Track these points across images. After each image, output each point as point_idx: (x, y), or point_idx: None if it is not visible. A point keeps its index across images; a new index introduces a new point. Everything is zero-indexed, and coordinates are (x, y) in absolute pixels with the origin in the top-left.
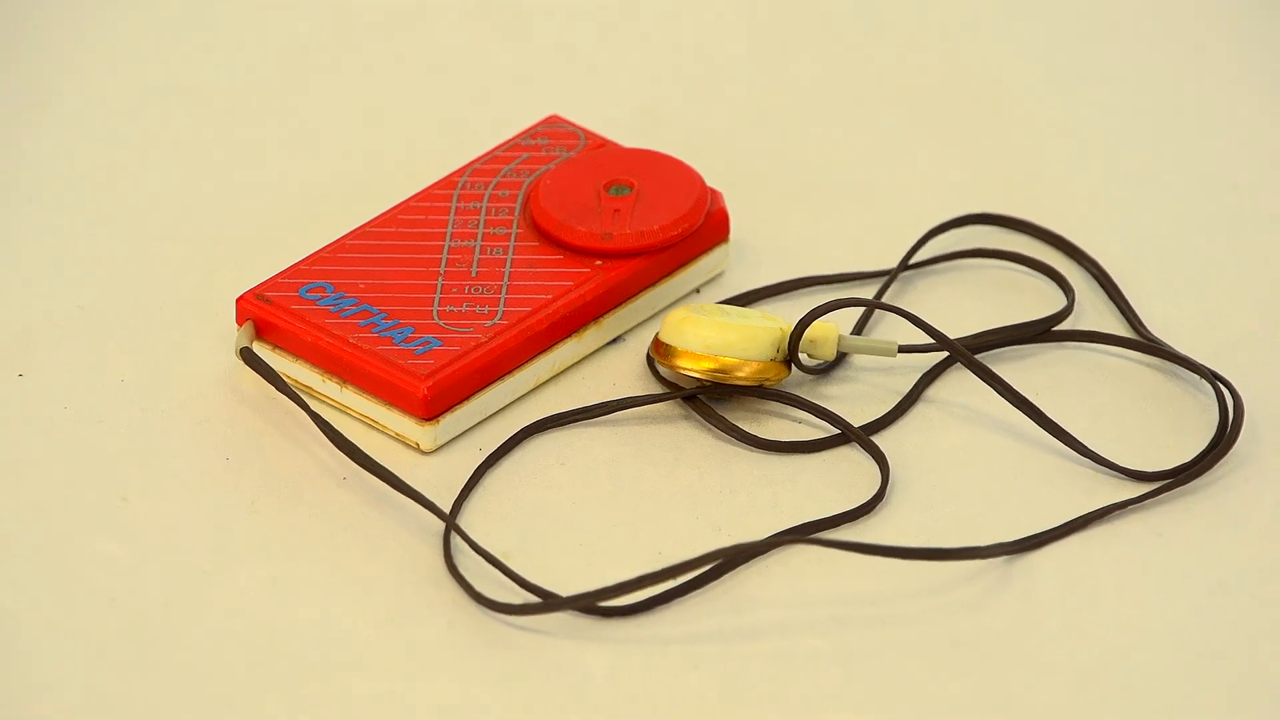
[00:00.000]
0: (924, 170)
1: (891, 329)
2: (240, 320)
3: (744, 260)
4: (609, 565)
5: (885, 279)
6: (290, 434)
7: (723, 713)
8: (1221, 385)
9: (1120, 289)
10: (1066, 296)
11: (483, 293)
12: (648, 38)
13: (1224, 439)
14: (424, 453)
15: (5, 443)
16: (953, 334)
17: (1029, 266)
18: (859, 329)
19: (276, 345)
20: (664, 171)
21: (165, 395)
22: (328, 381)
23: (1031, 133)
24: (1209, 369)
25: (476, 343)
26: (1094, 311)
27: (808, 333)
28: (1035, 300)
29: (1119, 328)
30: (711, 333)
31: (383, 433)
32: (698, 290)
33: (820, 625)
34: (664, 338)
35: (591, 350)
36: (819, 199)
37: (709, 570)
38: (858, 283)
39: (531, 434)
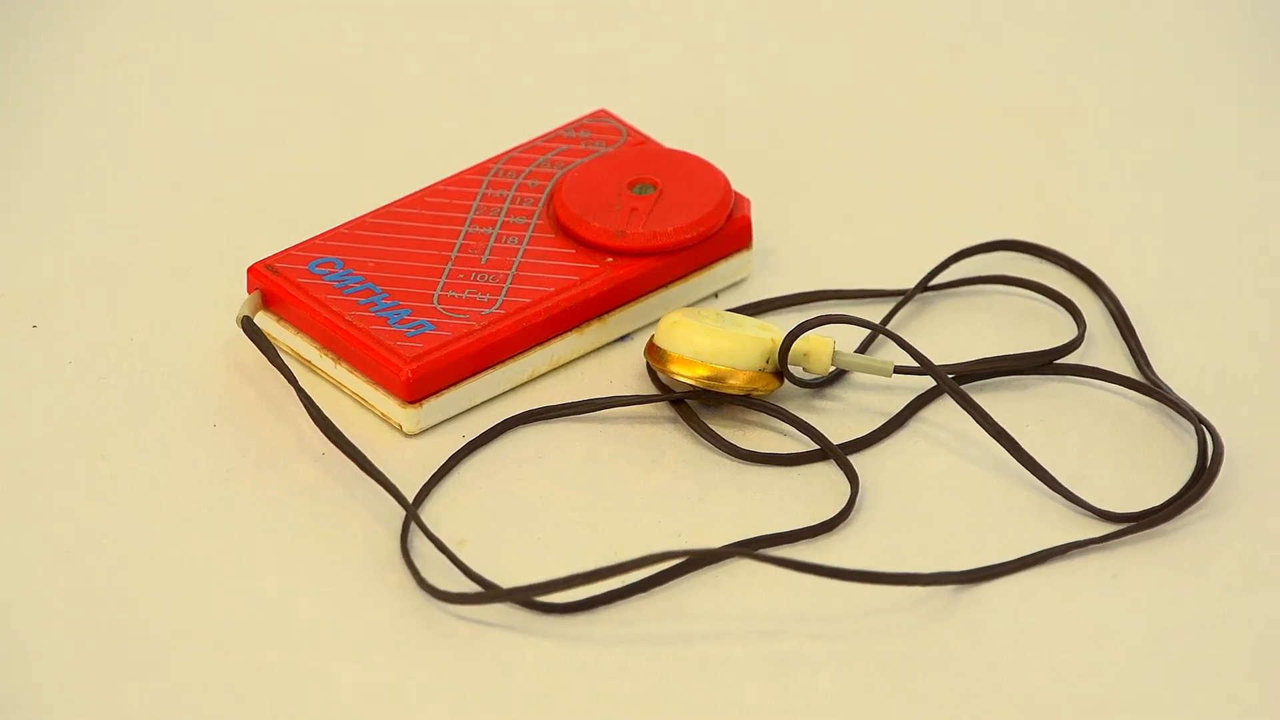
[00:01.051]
0: (969, 191)
1: (896, 348)
2: (250, 290)
3: (771, 268)
4: (562, 561)
5: (901, 298)
6: (279, 406)
7: (639, 717)
8: (1206, 430)
9: (1134, 326)
10: (1079, 329)
11: (487, 280)
12: (711, 40)
13: (1196, 486)
14: (407, 435)
15: (3, 391)
16: (960, 358)
17: (1048, 297)
18: (864, 347)
19: (281, 317)
20: (692, 174)
21: (169, 358)
22: (324, 357)
23: (1082, 162)
24: (1196, 413)
25: (469, 330)
26: (1105, 347)
27: (802, 346)
28: (1051, 331)
29: (1124, 365)
30: (702, 339)
31: (371, 411)
32: (716, 295)
33: (754, 638)
34: (657, 341)
35: (595, 346)
36: (858, 212)
37: (654, 575)
38: (875, 300)
39: (516, 425)
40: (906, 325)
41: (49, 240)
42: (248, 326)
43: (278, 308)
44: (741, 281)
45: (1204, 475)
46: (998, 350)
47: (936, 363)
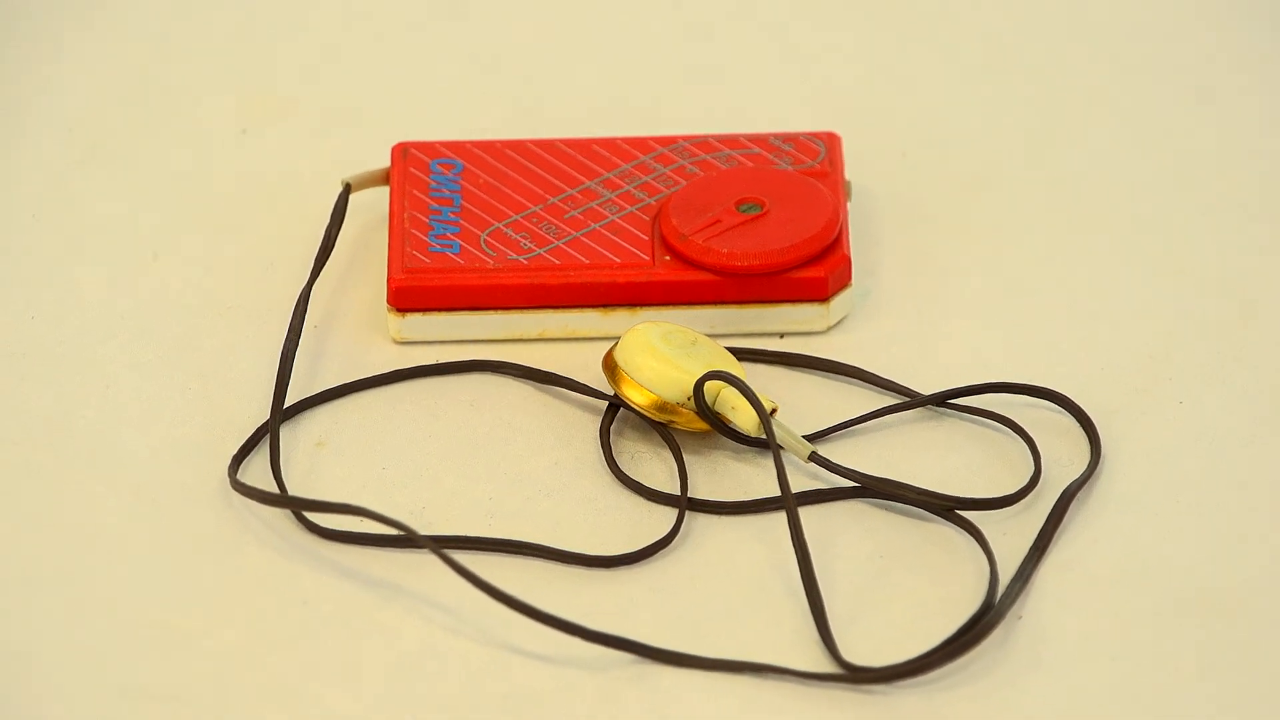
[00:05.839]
0: (1083, 326)
1: (854, 443)
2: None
3: (855, 330)
4: (376, 496)
5: (908, 401)
6: (329, 275)
7: (289, 646)
8: (989, 618)
9: (1082, 510)
10: (1022, 490)
11: (550, 232)
12: (984, 112)
13: (920, 661)
14: (393, 341)
15: (165, 177)
16: (911, 478)
17: (1031, 453)
18: (849, 424)
19: (389, 197)
20: (807, 214)
21: (295, 201)
22: (388, 243)
23: (1188, 343)
24: (993, 602)
25: (481, 266)
26: (1038, 511)
27: (731, 400)
28: (1016, 483)
29: (1022, 537)
30: (632, 355)
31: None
32: (781, 336)
33: (427, 625)
34: (615, 350)
35: (621, 333)
36: (980, 309)
37: (401, 537)
38: (893, 393)
39: (481, 369)
40: (896, 427)
41: (298, 62)
42: (343, 194)
43: (389, 187)
44: (814, 333)
45: (934, 656)
46: (943, 482)
47: (876, 474)
